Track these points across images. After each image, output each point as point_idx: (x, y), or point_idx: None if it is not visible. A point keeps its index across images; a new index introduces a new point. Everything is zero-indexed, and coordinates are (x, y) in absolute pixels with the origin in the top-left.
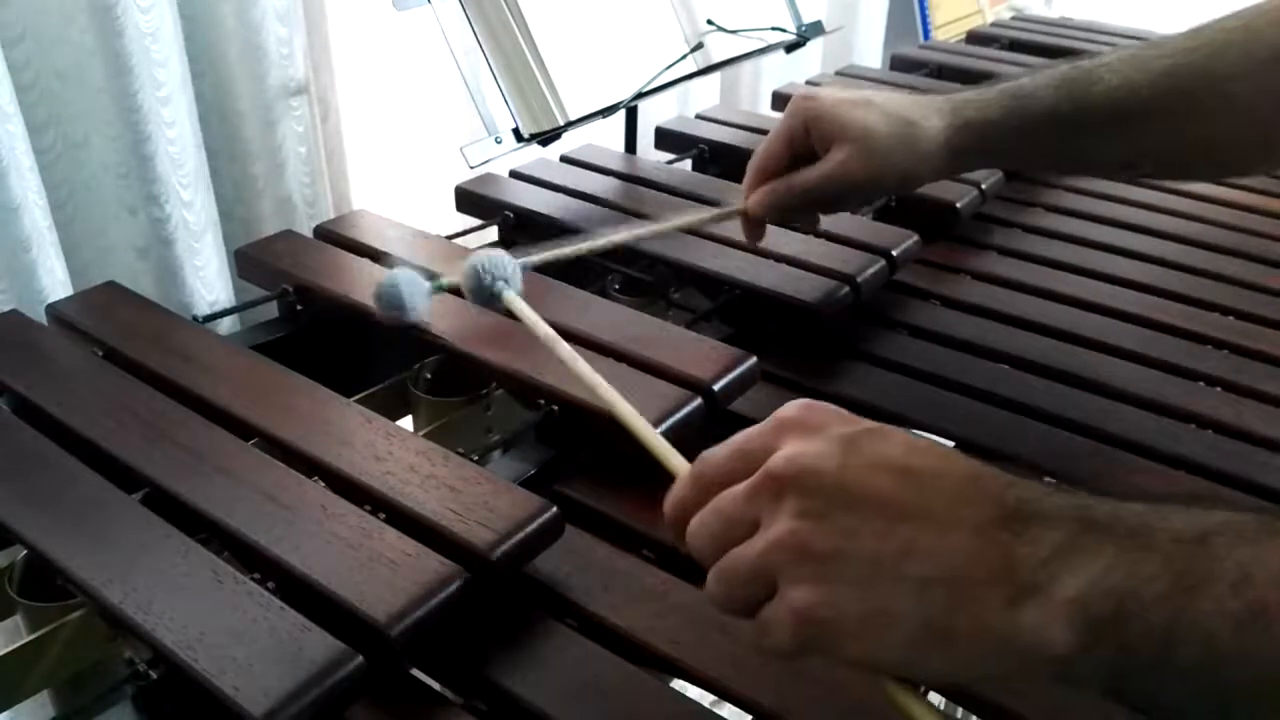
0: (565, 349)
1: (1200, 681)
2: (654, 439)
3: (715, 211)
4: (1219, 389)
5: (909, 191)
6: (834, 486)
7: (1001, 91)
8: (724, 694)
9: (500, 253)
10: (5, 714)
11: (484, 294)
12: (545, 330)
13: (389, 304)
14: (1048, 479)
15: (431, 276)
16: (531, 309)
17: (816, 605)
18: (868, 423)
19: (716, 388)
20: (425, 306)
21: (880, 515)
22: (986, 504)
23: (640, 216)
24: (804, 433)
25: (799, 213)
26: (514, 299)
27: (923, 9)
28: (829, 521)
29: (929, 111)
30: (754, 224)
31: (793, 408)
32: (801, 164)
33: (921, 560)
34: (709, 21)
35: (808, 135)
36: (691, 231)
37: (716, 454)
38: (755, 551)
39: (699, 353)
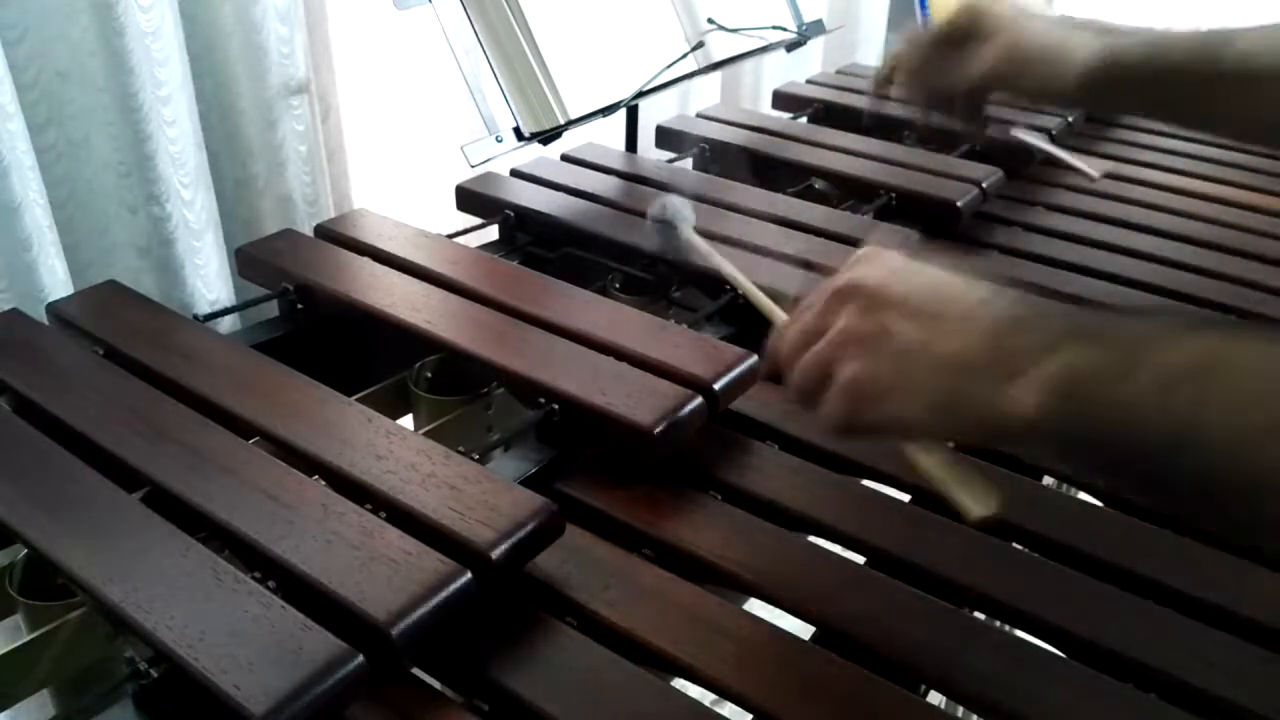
0: (728, 267)
1: (1123, 438)
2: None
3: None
4: None
5: (1041, 104)
6: (880, 293)
7: (1145, 37)
8: (724, 693)
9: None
10: (5, 714)
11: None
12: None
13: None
14: (1047, 477)
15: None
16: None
17: (861, 377)
18: (915, 262)
19: (717, 386)
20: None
21: (914, 316)
22: (997, 314)
23: (642, 216)
24: (864, 262)
25: (937, 99)
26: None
27: (923, 8)
28: (874, 317)
29: (1082, 37)
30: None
31: (862, 250)
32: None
33: (941, 348)
34: (710, 20)
35: (968, 31)
36: None
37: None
38: (821, 345)
39: (700, 351)
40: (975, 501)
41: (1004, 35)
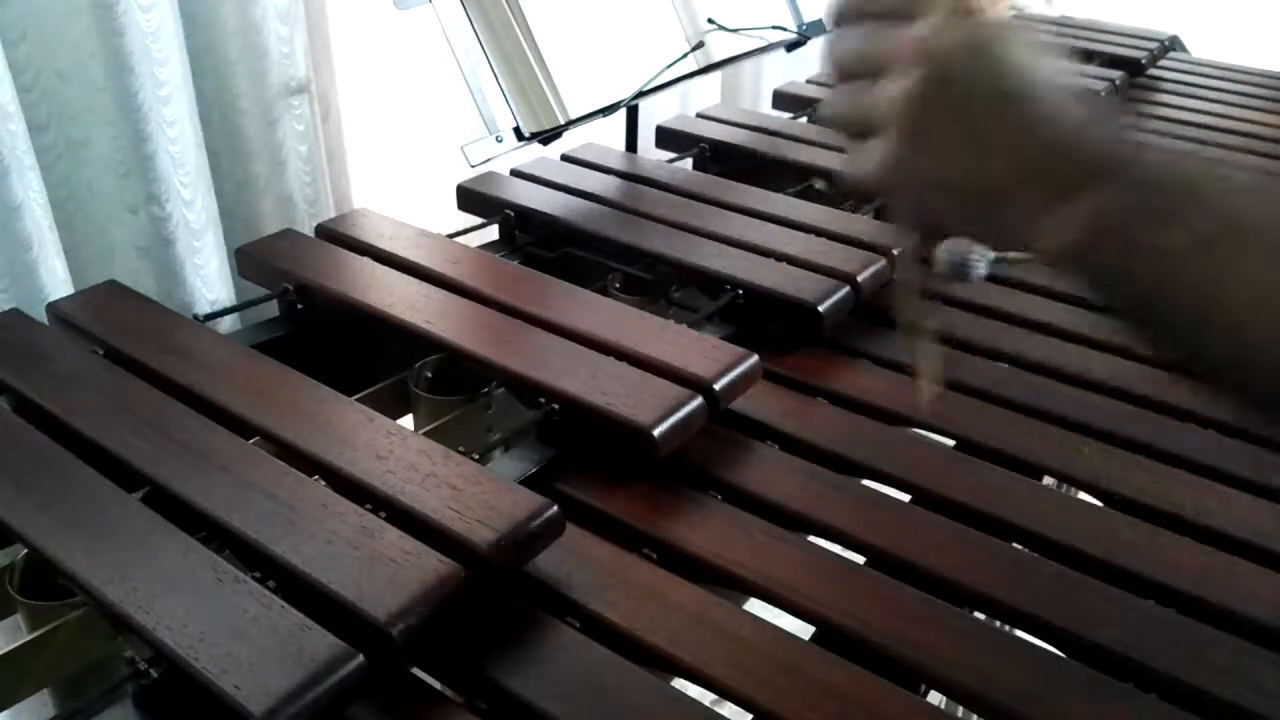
0: None
1: (1151, 282)
2: None
3: None
4: None
5: None
6: (987, 28)
7: None
8: (724, 693)
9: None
10: (5, 713)
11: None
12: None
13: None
14: (1047, 479)
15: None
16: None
17: (913, 95)
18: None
19: (718, 386)
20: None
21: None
22: (1107, 122)
23: (642, 216)
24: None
25: None
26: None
27: None
28: (962, 32)
29: None
30: None
31: None
32: None
33: (1007, 130)
34: (710, 20)
35: None
36: None
37: None
38: (888, 38)
39: (700, 351)
40: (931, 379)
41: None
